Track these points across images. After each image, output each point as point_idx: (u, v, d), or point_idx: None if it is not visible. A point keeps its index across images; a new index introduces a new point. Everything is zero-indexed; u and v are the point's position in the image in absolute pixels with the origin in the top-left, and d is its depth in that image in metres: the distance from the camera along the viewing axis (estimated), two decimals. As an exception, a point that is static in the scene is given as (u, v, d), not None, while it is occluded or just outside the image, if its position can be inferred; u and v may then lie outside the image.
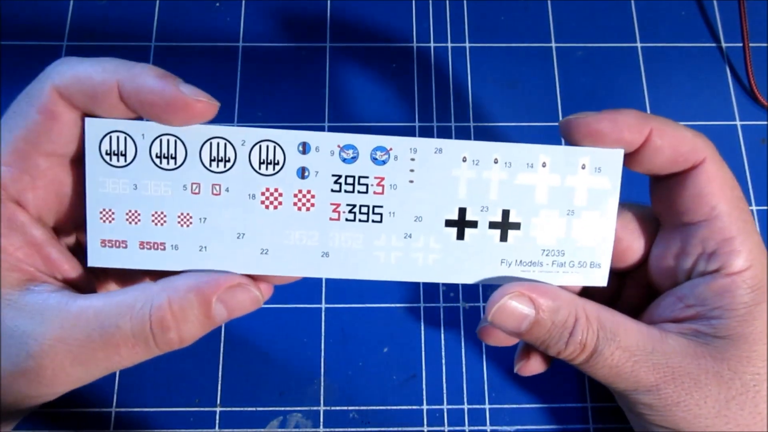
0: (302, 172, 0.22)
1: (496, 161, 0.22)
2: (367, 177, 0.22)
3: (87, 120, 0.21)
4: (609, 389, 0.23)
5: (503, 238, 0.22)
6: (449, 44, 0.37)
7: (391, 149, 0.22)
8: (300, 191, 0.22)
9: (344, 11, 0.38)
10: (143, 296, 0.20)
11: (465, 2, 0.38)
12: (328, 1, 0.38)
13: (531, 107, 0.36)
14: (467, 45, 0.37)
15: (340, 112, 0.36)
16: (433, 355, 0.32)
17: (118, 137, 0.21)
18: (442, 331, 0.32)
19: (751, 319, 0.22)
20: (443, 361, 0.31)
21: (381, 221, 0.22)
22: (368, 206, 0.22)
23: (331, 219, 0.22)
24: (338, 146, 0.22)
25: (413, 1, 0.38)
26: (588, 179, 0.22)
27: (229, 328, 0.32)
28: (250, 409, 0.30)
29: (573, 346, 0.22)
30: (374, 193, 0.22)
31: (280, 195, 0.22)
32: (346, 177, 0.22)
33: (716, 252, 0.22)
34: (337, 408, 0.31)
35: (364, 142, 0.22)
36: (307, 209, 0.22)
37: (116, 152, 0.21)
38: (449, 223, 0.22)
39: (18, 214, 0.21)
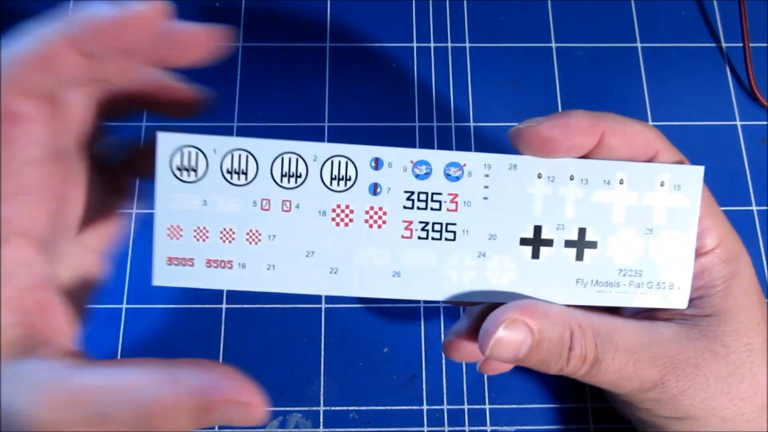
0: (374, 189, 0.21)
1: (572, 178, 0.21)
2: (440, 193, 0.21)
3: (159, 134, 0.20)
4: (611, 395, 0.23)
5: (579, 257, 0.22)
6: (449, 44, 0.37)
7: (465, 165, 0.21)
8: (372, 208, 0.21)
9: (344, 11, 0.38)
10: (146, 383, 0.18)
11: (465, 2, 0.38)
12: (328, 1, 0.38)
13: (531, 107, 0.36)
14: (467, 45, 0.37)
15: (340, 112, 0.36)
16: (433, 355, 0.32)
17: (189, 152, 0.21)
18: (442, 331, 0.32)
19: (731, 291, 0.22)
20: (443, 361, 0.31)
21: (454, 239, 0.21)
22: (441, 224, 0.21)
23: (403, 237, 0.21)
24: (411, 162, 0.21)
25: (413, 1, 0.38)
26: (667, 197, 0.21)
27: (229, 328, 0.32)
28: (250, 409, 0.30)
29: (574, 360, 0.21)
30: (447, 210, 0.21)
31: (351, 212, 0.21)
32: (419, 193, 0.21)
33: None
34: (337, 408, 0.31)
35: (438, 158, 0.21)
36: (379, 227, 0.21)
37: (187, 167, 0.21)
38: (524, 242, 0.21)
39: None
